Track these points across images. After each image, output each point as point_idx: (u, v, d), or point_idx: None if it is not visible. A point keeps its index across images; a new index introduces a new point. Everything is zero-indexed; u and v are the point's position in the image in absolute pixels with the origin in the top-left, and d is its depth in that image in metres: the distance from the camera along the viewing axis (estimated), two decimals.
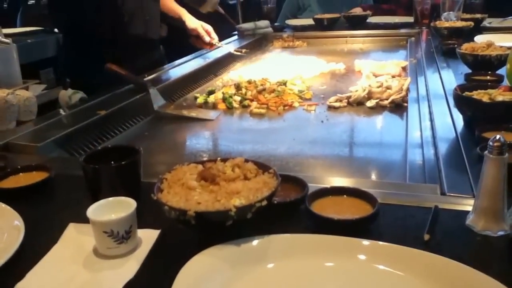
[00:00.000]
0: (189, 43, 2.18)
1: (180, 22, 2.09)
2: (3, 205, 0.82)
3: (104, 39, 1.79)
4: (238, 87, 1.67)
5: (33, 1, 4.28)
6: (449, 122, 1.21)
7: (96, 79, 1.59)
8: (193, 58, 2.16)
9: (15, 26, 3.63)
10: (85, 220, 0.71)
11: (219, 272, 0.62)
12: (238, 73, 2.03)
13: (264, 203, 0.68)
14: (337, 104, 1.54)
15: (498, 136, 0.69)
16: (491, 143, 0.69)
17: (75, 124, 1.28)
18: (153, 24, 1.95)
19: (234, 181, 0.74)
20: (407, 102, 1.49)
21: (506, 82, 1.32)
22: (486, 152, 0.70)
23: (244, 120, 1.49)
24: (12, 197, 0.86)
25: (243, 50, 2.30)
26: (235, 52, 2.24)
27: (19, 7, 3.94)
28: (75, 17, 1.79)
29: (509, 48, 1.47)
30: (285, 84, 1.71)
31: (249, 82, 1.72)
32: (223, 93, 1.65)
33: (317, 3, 3.35)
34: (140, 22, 1.87)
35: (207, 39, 2.07)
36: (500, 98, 1.08)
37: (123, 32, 1.82)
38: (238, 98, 1.60)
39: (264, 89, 1.65)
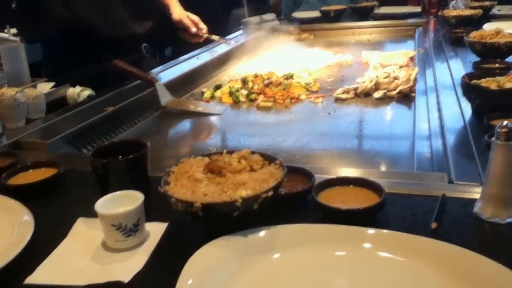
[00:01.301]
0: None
1: (168, 13, 1.94)
2: (13, 201, 0.83)
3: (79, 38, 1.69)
4: (244, 81, 1.67)
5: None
6: (457, 111, 1.20)
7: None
8: (200, 53, 2.16)
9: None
10: (94, 214, 0.72)
11: (226, 262, 0.63)
12: (244, 67, 2.03)
13: (271, 193, 0.68)
14: (344, 96, 1.53)
15: (505, 122, 0.69)
16: (498, 130, 0.68)
17: (83, 120, 1.29)
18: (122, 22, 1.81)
19: (240, 173, 0.74)
20: (414, 92, 1.48)
21: None
22: (493, 138, 0.69)
23: (251, 113, 1.49)
24: (22, 194, 0.87)
25: (229, 40, 2.22)
26: (221, 42, 2.12)
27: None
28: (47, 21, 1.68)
29: None
30: (291, 77, 1.71)
31: (255, 76, 1.72)
32: (229, 87, 1.65)
33: None
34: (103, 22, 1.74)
35: (193, 30, 1.92)
36: (508, 85, 1.07)
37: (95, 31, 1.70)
38: (244, 92, 1.60)
39: (270, 83, 1.65)
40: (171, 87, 1.64)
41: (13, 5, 1.67)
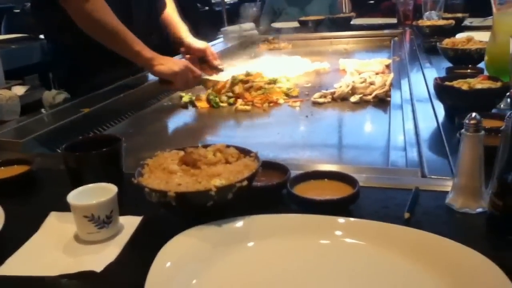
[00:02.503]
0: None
1: (179, 40, 1.87)
2: None
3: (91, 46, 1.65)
4: (233, 81, 1.64)
5: (18, 10, 4.28)
6: (430, 112, 1.22)
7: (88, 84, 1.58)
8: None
9: None
10: (67, 210, 0.71)
11: (199, 251, 0.62)
12: (224, 73, 2.03)
13: (245, 183, 0.68)
14: (321, 100, 1.55)
15: (473, 114, 0.71)
16: (467, 121, 0.70)
17: (58, 121, 1.28)
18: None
19: (215, 165, 0.74)
20: (390, 97, 1.51)
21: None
22: (462, 130, 0.71)
23: (229, 116, 1.50)
24: None
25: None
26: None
27: (3, 15, 3.93)
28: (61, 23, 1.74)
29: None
30: (275, 82, 1.71)
31: (247, 74, 1.70)
32: (208, 93, 1.63)
33: (289, 5, 3.40)
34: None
35: (216, 63, 1.85)
36: (479, 86, 1.10)
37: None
38: (224, 98, 1.59)
39: (251, 87, 1.64)
40: (150, 92, 1.64)
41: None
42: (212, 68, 1.87)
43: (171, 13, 1.95)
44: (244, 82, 1.66)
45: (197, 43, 1.86)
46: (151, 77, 1.81)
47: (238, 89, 1.62)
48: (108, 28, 1.44)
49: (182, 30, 1.90)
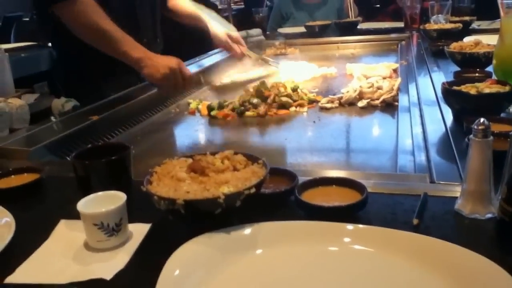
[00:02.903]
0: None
1: (199, 27, 1.81)
2: None
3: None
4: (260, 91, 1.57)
5: (28, 18, 4.32)
6: (438, 117, 1.22)
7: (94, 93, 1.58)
8: (188, 65, 2.17)
9: (9, 42, 3.66)
10: (76, 217, 0.72)
11: (208, 259, 0.63)
12: (231, 79, 2.04)
13: (253, 190, 0.68)
14: (328, 105, 1.55)
15: (482, 119, 0.70)
16: (475, 127, 0.70)
17: (67, 129, 1.29)
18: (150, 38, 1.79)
19: (223, 172, 0.74)
20: (397, 101, 1.50)
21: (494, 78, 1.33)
22: (471, 136, 0.71)
23: (237, 123, 1.50)
24: (3, 198, 0.86)
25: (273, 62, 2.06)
26: (268, 62, 2.00)
27: (13, 24, 3.97)
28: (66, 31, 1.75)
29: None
30: (297, 89, 1.63)
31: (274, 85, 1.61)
32: (209, 104, 1.60)
33: (297, 10, 3.40)
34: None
35: (238, 50, 1.82)
36: (487, 91, 1.10)
37: None
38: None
39: (274, 102, 1.54)
40: (157, 98, 1.66)
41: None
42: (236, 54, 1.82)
43: (185, 4, 1.91)
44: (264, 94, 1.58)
45: (217, 35, 1.81)
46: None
47: (262, 107, 1.52)
48: (95, 28, 1.40)
49: (201, 14, 1.85)
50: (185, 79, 1.50)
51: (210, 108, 1.56)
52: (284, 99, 1.55)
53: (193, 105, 1.67)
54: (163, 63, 1.44)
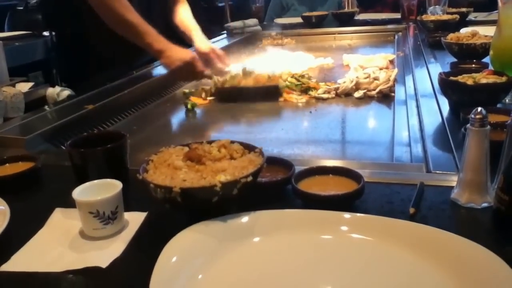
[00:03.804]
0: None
1: (188, 39, 1.89)
2: None
3: (100, 40, 1.72)
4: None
5: (21, 7, 4.27)
6: (435, 107, 1.22)
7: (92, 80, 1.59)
8: None
9: (3, 31, 3.62)
10: (72, 206, 0.71)
11: (205, 246, 0.63)
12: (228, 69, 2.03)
13: (250, 179, 0.68)
14: (325, 96, 1.55)
15: (479, 109, 0.70)
16: (473, 116, 0.70)
17: (62, 118, 1.28)
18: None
19: (220, 161, 0.74)
20: (394, 92, 1.50)
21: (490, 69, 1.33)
22: (468, 125, 0.71)
23: (233, 112, 1.50)
24: None
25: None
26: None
27: (7, 12, 3.92)
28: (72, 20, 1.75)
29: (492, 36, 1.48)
30: (303, 76, 1.66)
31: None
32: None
33: (300, 4, 3.39)
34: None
35: (219, 66, 1.81)
36: (484, 81, 1.10)
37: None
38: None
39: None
40: (153, 88, 1.65)
41: None
42: (217, 71, 1.81)
43: (184, 14, 1.95)
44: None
45: (201, 46, 1.85)
46: (154, 73, 1.82)
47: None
48: (123, 19, 1.52)
49: (191, 30, 1.91)
50: (196, 73, 1.62)
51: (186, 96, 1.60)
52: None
53: (188, 95, 1.67)
54: (178, 56, 1.57)
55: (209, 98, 1.60)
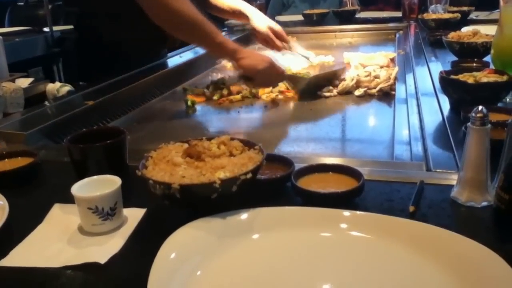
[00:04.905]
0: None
1: (242, 20, 1.76)
2: None
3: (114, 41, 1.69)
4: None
5: (22, 3, 4.27)
6: (435, 106, 1.22)
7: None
8: (182, 52, 2.15)
9: (3, 27, 3.61)
10: (71, 202, 0.71)
11: (204, 243, 0.62)
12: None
13: (249, 176, 0.68)
14: (327, 94, 1.54)
15: (480, 107, 0.70)
16: (473, 114, 0.70)
17: (62, 113, 1.28)
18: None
19: (219, 158, 0.74)
20: (395, 90, 1.50)
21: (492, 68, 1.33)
22: (469, 123, 0.70)
23: (233, 109, 1.49)
24: None
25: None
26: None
27: (7, 8, 3.92)
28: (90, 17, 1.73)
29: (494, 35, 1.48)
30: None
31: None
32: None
33: (301, 1, 3.38)
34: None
35: (278, 43, 1.72)
36: (485, 80, 1.09)
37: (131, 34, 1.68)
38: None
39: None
40: (153, 85, 1.64)
41: None
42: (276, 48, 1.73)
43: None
44: None
45: (260, 26, 1.74)
46: (154, 70, 1.82)
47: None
48: (185, 18, 1.31)
49: (246, 11, 1.78)
50: (279, 75, 1.47)
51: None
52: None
53: (189, 91, 1.66)
54: (261, 57, 1.43)
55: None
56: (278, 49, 1.58)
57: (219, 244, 0.62)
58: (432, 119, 1.13)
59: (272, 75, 1.43)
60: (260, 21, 1.76)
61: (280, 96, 1.54)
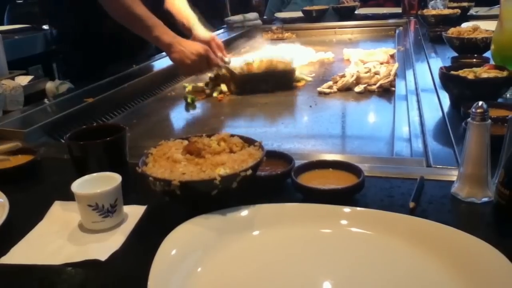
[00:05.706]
0: None
1: (186, 30, 1.80)
2: None
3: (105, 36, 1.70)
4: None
5: (21, 1, 4.26)
6: (435, 102, 1.22)
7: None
8: None
9: (2, 24, 3.61)
10: (71, 199, 0.71)
11: (204, 240, 0.62)
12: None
13: (249, 172, 0.68)
14: (327, 90, 1.54)
15: (480, 103, 0.70)
16: (474, 110, 0.70)
17: (62, 111, 1.27)
18: None
19: (219, 154, 0.74)
20: (394, 87, 1.50)
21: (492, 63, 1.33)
22: (469, 119, 0.70)
23: (233, 106, 1.49)
24: None
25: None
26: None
27: (6, 6, 3.91)
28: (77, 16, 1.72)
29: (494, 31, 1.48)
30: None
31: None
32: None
33: None
34: None
35: (219, 54, 1.72)
36: (485, 75, 1.09)
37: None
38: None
39: None
40: (153, 82, 1.64)
41: None
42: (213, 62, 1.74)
43: (180, 3, 1.89)
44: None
45: (202, 35, 1.78)
46: (154, 67, 1.82)
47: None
48: (129, 13, 1.45)
49: (190, 19, 1.83)
50: (211, 66, 1.56)
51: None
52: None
53: (189, 88, 1.66)
54: (192, 49, 1.50)
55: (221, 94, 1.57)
56: (214, 61, 1.62)
57: (220, 241, 0.62)
58: (432, 115, 1.13)
59: (200, 66, 1.54)
60: (204, 31, 1.82)
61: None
